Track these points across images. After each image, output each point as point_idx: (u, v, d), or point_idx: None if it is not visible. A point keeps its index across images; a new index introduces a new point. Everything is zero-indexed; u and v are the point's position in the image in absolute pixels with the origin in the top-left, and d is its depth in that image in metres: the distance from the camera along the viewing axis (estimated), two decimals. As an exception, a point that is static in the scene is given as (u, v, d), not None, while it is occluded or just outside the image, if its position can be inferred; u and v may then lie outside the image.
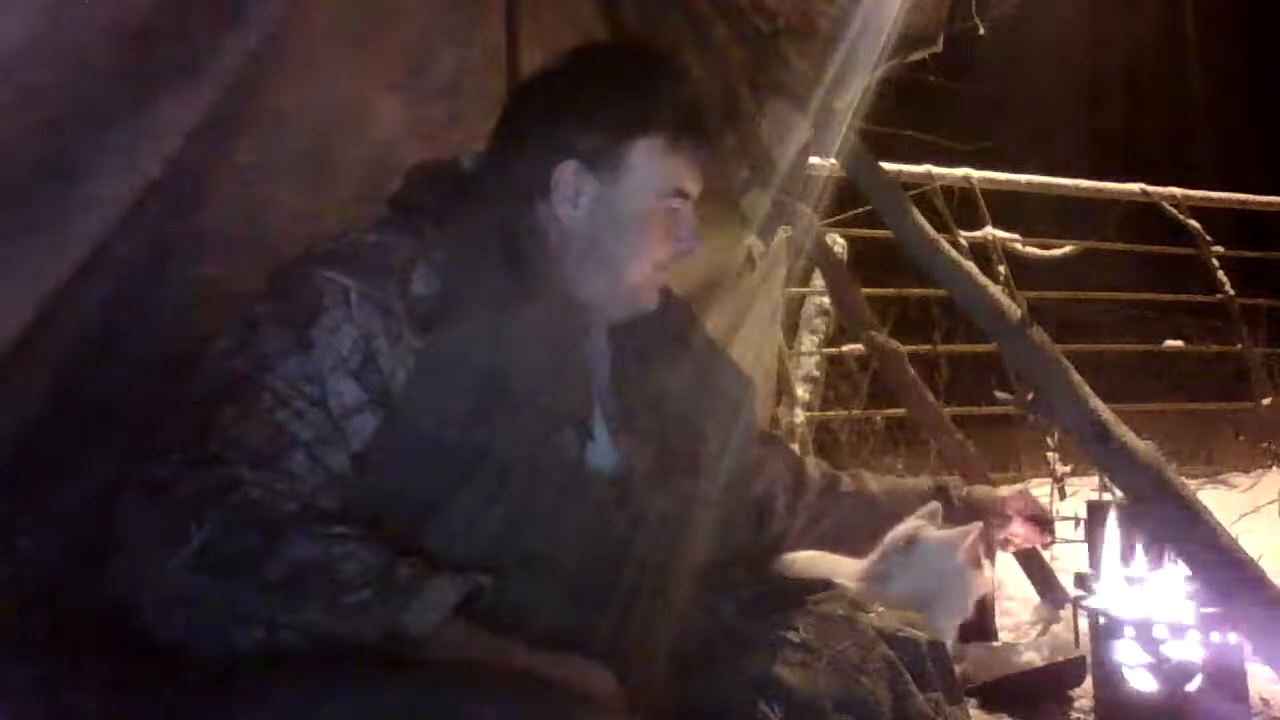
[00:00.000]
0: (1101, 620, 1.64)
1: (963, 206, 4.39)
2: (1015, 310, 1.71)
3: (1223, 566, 1.52)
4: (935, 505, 1.59)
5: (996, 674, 1.93)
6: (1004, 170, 4.70)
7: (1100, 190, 4.97)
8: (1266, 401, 4.97)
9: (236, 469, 1.05)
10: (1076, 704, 1.88)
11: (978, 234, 4.38)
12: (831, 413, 4.88)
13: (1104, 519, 1.74)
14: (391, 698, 0.94)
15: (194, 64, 1.20)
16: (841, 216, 3.66)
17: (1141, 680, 1.57)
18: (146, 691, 1.04)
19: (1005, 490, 1.82)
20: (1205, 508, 1.56)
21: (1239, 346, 5.14)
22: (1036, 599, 2.44)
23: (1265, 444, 4.86)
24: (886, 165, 2.46)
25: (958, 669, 1.30)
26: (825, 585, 1.29)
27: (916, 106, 4.82)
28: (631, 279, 1.28)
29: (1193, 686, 1.55)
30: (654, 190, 1.26)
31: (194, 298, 1.37)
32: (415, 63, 1.68)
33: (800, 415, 4.13)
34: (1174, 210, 5.00)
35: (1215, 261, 5.03)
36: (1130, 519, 1.70)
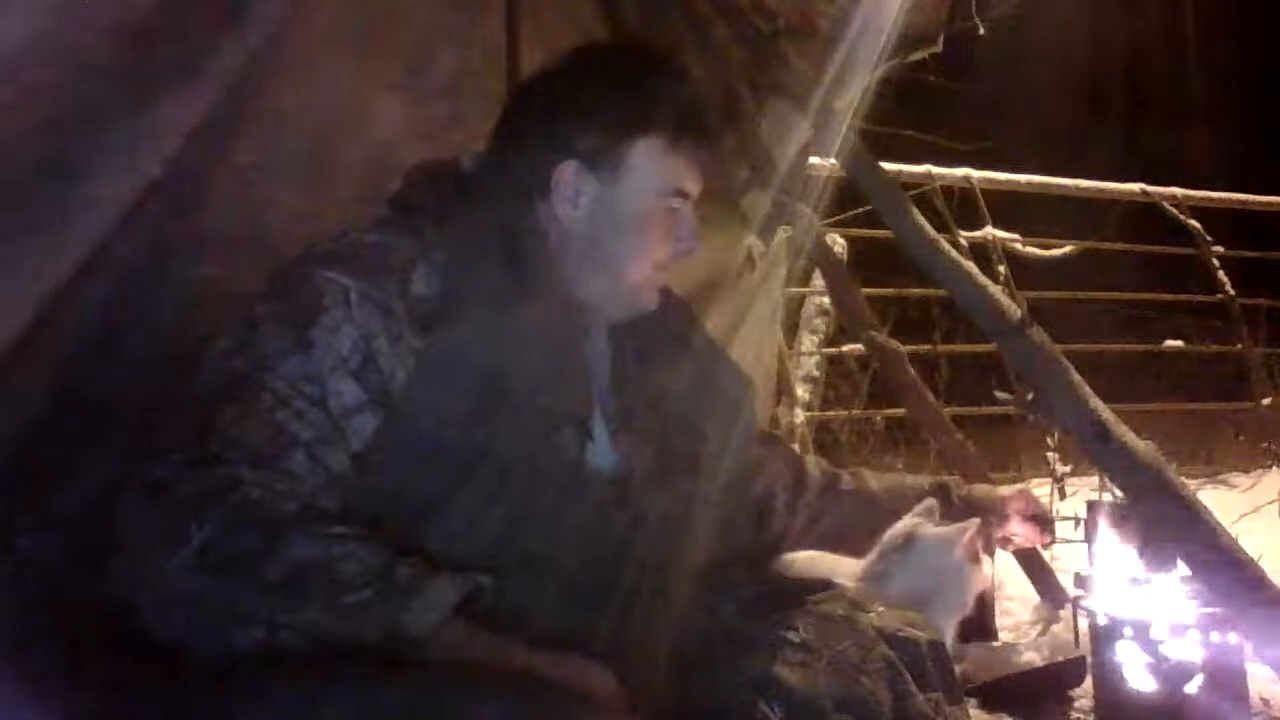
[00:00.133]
0: (1101, 620, 1.64)
1: (963, 206, 4.40)
2: (1015, 310, 1.71)
3: (1223, 566, 1.52)
4: (932, 502, 1.59)
5: (996, 674, 1.93)
6: (1004, 170, 4.70)
7: (1100, 190, 4.98)
8: (1266, 401, 4.98)
9: (236, 469, 1.05)
10: (1076, 704, 1.88)
11: (978, 234, 4.38)
12: (831, 413, 4.88)
13: (1103, 519, 1.74)
14: (391, 698, 0.94)
15: (194, 64, 1.20)
16: (841, 216, 3.66)
17: (1141, 680, 1.57)
18: (146, 691, 1.04)
19: (1006, 489, 1.82)
20: (1205, 508, 1.56)
21: (1239, 346, 5.14)
22: (1036, 599, 2.44)
23: (1265, 444, 4.86)
24: (886, 165, 2.46)
25: (958, 669, 1.30)
26: (825, 585, 1.29)
27: (916, 106, 4.82)
28: (631, 279, 1.28)
29: (1192, 686, 1.55)
30: (654, 190, 1.26)
31: (194, 298, 1.37)
32: (415, 63, 1.68)
33: (800, 415, 4.13)
34: (1174, 210, 5.00)
35: (1215, 261, 5.04)
36: (1129, 519, 1.70)
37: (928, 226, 1.84)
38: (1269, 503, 3.59)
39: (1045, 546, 1.91)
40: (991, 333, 1.76)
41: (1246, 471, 4.66)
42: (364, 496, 1.11)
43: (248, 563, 1.00)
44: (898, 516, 1.58)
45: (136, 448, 1.10)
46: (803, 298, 4.69)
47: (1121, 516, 1.71)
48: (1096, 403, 1.62)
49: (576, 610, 1.13)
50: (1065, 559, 2.32)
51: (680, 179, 1.27)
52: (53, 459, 1.25)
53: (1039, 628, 2.30)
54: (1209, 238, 5.02)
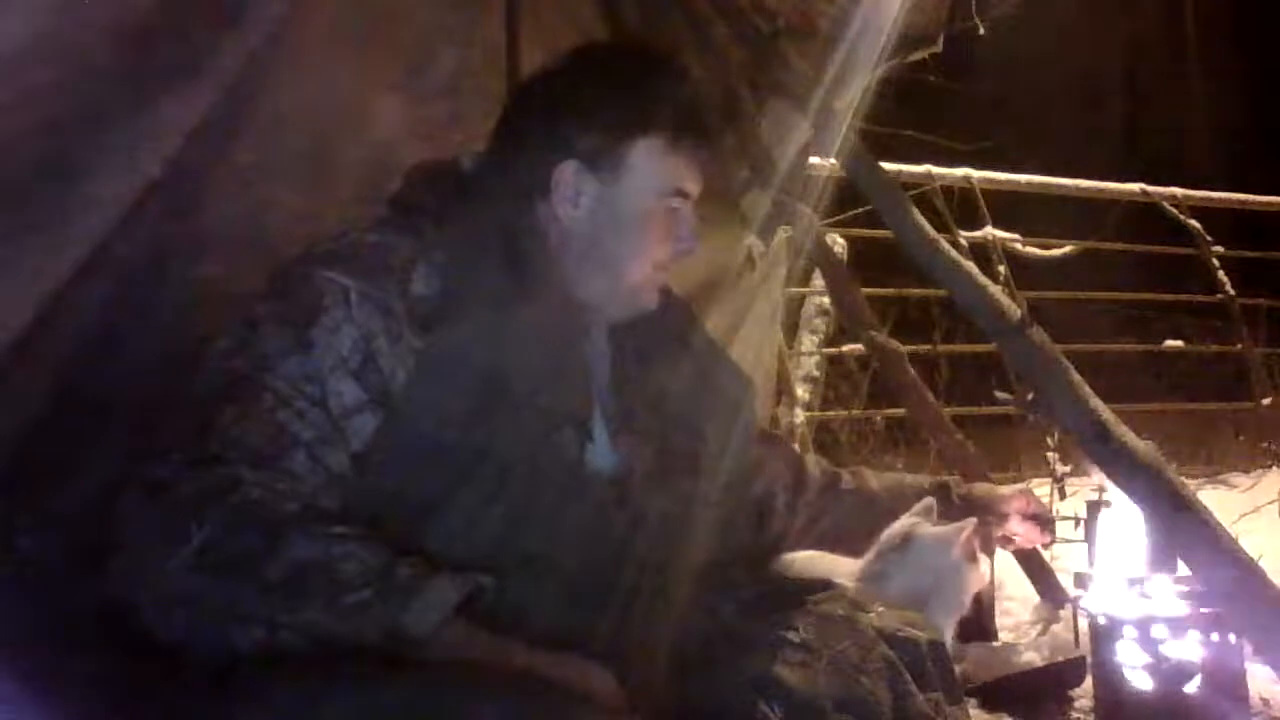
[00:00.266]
0: (1101, 620, 1.64)
1: (963, 206, 4.40)
2: (1015, 310, 1.71)
3: (1223, 566, 1.52)
4: (930, 501, 1.59)
5: (996, 674, 1.93)
6: (1004, 170, 4.70)
7: (1100, 190, 4.98)
8: (1266, 401, 4.98)
9: (237, 469, 1.05)
10: (1076, 704, 1.88)
11: (978, 234, 4.38)
12: (831, 413, 4.88)
13: (1103, 519, 1.74)
14: (391, 698, 0.94)
15: (194, 64, 1.20)
16: (841, 216, 3.66)
17: (1141, 680, 1.57)
18: (146, 691, 1.04)
19: (1006, 489, 1.82)
20: (1205, 508, 1.56)
21: (1239, 346, 5.14)
22: (1036, 599, 2.44)
23: (1265, 444, 4.86)
24: (886, 165, 2.46)
25: (958, 669, 1.30)
26: (825, 585, 1.29)
27: (916, 106, 4.83)
28: (631, 279, 1.28)
29: (1192, 686, 1.55)
30: (654, 190, 1.26)
31: (194, 298, 1.37)
32: (415, 63, 1.68)
33: (800, 415, 4.13)
34: (1174, 210, 5.00)
35: (1215, 261, 5.04)
36: (1129, 519, 1.70)
37: (928, 226, 1.83)
38: (1269, 503, 3.59)
39: (1045, 546, 1.91)
40: (991, 333, 1.76)
41: (1246, 471, 4.66)
42: (364, 496, 1.11)
43: (248, 563, 1.00)
44: (897, 516, 1.58)
45: (136, 448, 1.10)
46: (803, 298, 4.69)
47: (1122, 516, 1.71)
48: (1096, 403, 1.62)
49: (576, 610, 1.13)
50: (1065, 559, 2.32)
51: (680, 179, 1.27)
52: (53, 459, 1.25)
53: (1039, 628, 2.30)
54: (1209, 238, 5.02)
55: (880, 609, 1.23)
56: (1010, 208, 4.67)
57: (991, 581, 2.07)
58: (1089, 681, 1.81)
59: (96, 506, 1.08)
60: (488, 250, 1.21)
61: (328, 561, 1.01)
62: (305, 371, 1.10)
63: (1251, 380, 5.09)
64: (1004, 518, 1.74)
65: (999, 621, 2.22)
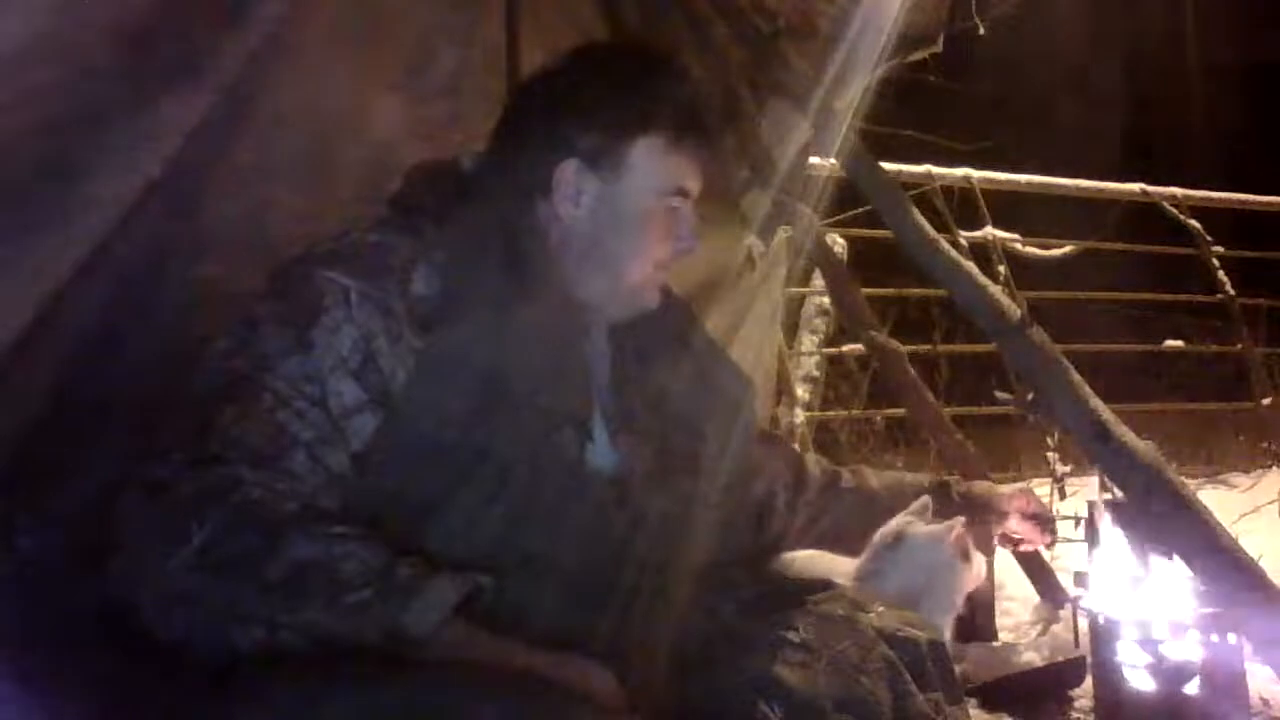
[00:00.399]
0: (1101, 620, 1.64)
1: (963, 206, 4.39)
2: (1015, 310, 1.71)
3: (1223, 566, 1.52)
4: (925, 500, 1.59)
5: (996, 674, 1.93)
6: (1004, 170, 4.70)
7: (1100, 190, 4.97)
8: (1266, 401, 4.98)
9: (237, 469, 1.05)
10: (1076, 704, 1.88)
11: (978, 234, 4.38)
12: (831, 413, 4.87)
13: (1103, 519, 1.74)
14: (391, 698, 0.94)
15: (194, 64, 1.20)
16: (841, 216, 3.66)
17: (1141, 680, 1.57)
18: (146, 691, 1.04)
19: (1007, 488, 1.82)
20: (1205, 508, 1.56)
21: (1239, 346, 5.14)
22: (1036, 599, 2.44)
23: (1265, 444, 4.86)
24: (886, 165, 2.46)
25: (958, 669, 1.30)
26: (825, 585, 1.29)
27: (916, 106, 4.82)
28: (632, 278, 1.28)
29: (1192, 687, 1.55)
30: (655, 189, 1.26)
31: (194, 298, 1.37)
32: (415, 63, 1.68)
33: (800, 415, 4.13)
34: (1174, 210, 5.00)
35: (1215, 261, 5.03)
36: (1129, 519, 1.70)
37: (928, 226, 1.84)
38: (1269, 503, 3.58)
39: (1046, 546, 1.91)
40: (991, 333, 1.76)
41: (1246, 471, 4.66)
42: (364, 496, 1.11)
43: (248, 562, 1.00)
44: (897, 514, 1.58)
45: (136, 448, 1.10)
46: (803, 298, 4.69)
47: (1122, 516, 1.71)
48: (1096, 403, 1.62)
49: (576, 610, 1.13)
50: (1065, 559, 2.32)
51: (681, 178, 1.27)
52: (53, 459, 1.25)
53: (1039, 628, 2.30)
54: (1209, 238, 5.02)
55: (880, 609, 1.23)
56: (1010, 208, 4.67)
57: (991, 581, 2.07)
58: (1089, 681, 1.81)
59: (96, 506, 1.09)
60: (488, 250, 1.21)
61: (328, 561, 1.01)
62: (305, 371, 1.10)
63: (1251, 380, 5.09)
64: (1004, 517, 1.74)
65: (999, 621, 2.22)
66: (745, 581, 1.35)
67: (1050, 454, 3.08)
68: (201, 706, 1.00)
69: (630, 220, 1.26)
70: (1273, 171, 5.82)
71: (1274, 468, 4.65)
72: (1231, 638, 1.56)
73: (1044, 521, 1.77)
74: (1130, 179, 5.06)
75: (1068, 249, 4.74)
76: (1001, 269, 4.31)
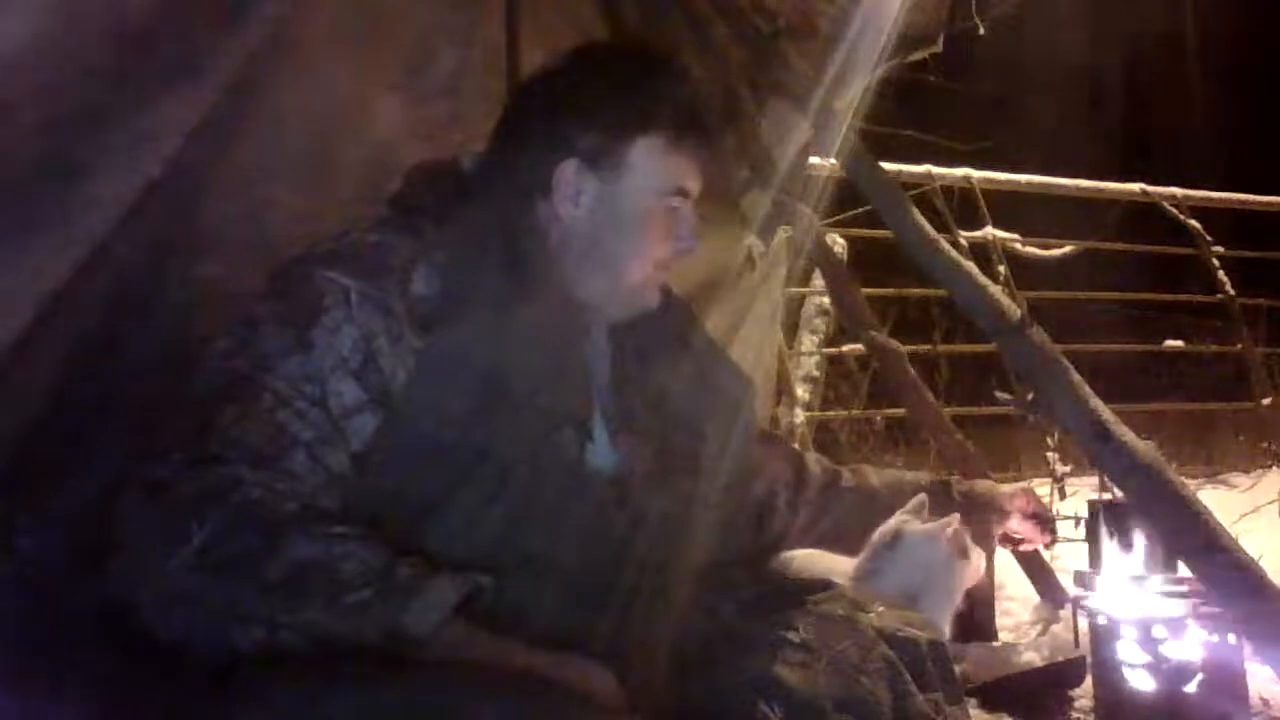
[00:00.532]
0: (1101, 620, 1.64)
1: (963, 206, 4.39)
2: (1015, 310, 1.71)
3: (1223, 566, 1.52)
4: (921, 498, 1.59)
5: (996, 674, 1.93)
6: (1004, 170, 4.70)
7: (1100, 190, 4.98)
8: (1266, 401, 4.98)
9: (237, 469, 1.05)
10: (1076, 704, 1.88)
11: (978, 234, 4.38)
12: (831, 413, 4.88)
13: (1104, 518, 1.74)
14: (391, 698, 0.94)
15: (194, 64, 1.20)
16: (841, 216, 3.66)
17: (1141, 680, 1.57)
18: (146, 691, 1.04)
19: (1007, 488, 1.83)
20: (1205, 508, 1.56)
21: (1239, 346, 5.14)
22: (1036, 599, 2.44)
23: (1265, 444, 4.86)
24: (886, 165, 2.46)
25: (958, 669, 1.30)
26: (825, 585, 1.29)
27: (916, 106, 4.83)
28: (632, 278, 1.28)
29: (1192, 686, 1.55)
30: (655, 189, 1.26)
31: (194, 298, 1.37)
32: (415, 63, 1.68)
33: (800, 415, 4.13)
34: (1174, 210, 5.00)
35: (1215, 261, 5.03)
36: (1130, 518, 1.70)
37: (928, 226, 1.83)
38: (1269, 503, 3.59)
39: (1046, 546, 1.91)
40: (991, 333, 1.76)
41: (1246, 471, 4.66)
42: (364, 496, 1.11)
43: (248, 562, 1.00)
44: (893, 513, 1.58)
45: (136, 448, 1.10)
46: (803, 298, 4.69)
47: (1122, 516, 1.71)
48: (1096, 403, 1.62)
49: (576, 610, 1.13)
50: (1065, 559, 2.32)
51: (681, 177, 1.27)
52: (53, 459, 1.25)
53: (1039, 628, 2.30)
54: (1209, 238, 5.02)
55: (880, 609, 1.23)
56: (1010, 208, 4.67)
57: (991, 581, 2.07)
58: (1089, 681, 1.81)
59: (96, 506, 1.09)
60: (488, 250, 1.21)
61: (328, 561, 1.01)
62: (305, 372, 1.10)
63: (1251, 380, 5.09)
64: (1005, 516, 1.74)
65: (999, 621, 2.22)
66: (745, 581, 1.35)
67: (1050, 454, 3.08)
68: (201, 706, 1.00)
69: (630, 220, 1.26)
70: (1273, 171, 5.83)
71: (1274, 468, 4.65)
72: (1231, 638, 1.56)
73: (1044, 521, 1.77)
74: (1130, 179, 5.06)
75: (1068, 249, 4.74)
76: (1001, 269, 4.31)
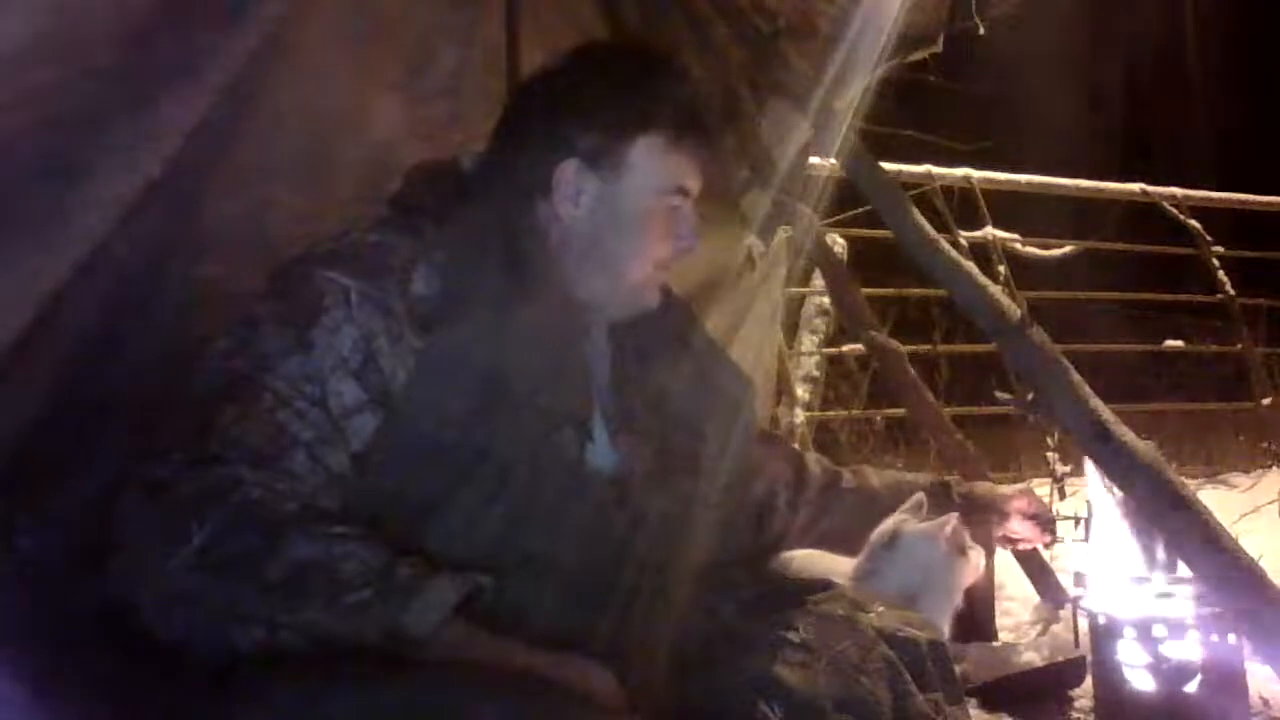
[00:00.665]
0: (1101, 620, 1.64)
1: (963, 206, 4.39)
2: (1015, 310, 1.71)
3: (1223, 566, 1.52)
4: (920, 498, 1.59)
5: (996, 674, 1.93)
6: (1004, 170, 4.70)
7: (1100, 190, 4.97)
8: (1266, 401, 4.97)
9: (237, 469, 1.05)
10: (1076, 704, 1.88)
11: (978, 234, 4.38)
12: (831, 413, 4.87)
13: (1103, 519, 1.74)
14: (391, 698, 0.94)
15: (194, 64, 1.20)
16: (841, 216, 3.66)
17: (1141, 680, 1.57)
18: (146, 691, 1.04)
19: (1007, 488, 1.83)
20: (1205, 508, 1.56)
21: (1239, 346, 5.14)
22: (1036, 599, 2.43)
23: (1265, 444, 4.86)
24: (886, 165, 2.46)
25: (958, 669, 1.30)
26: (825, 585, 1.29)
27: (916, 106, 4.83)
28: (632, 278, 1.28)
29: (1192, 686, 1.55)
30: (655, 188, 1.26)
31: (194, 298, 1.37)
32: (415, 63, 1.68)
33: (800, 415, 4.13)
34: (1174, 210, 4.99)
35: (1215, 261, 5.03)
36: (1130, 518, 1.70)
37: (928, 226, 1.83)
38: (1269, 503, 3.58)
39: (1046, 546, 1.91)
40: (991, 333, 1.76)
41: (1246, 471, 4.66)
42: (364, 496, 1.11)
43: (248, 562, 1.00)
44: (893, 513, 1.58)
45: (136, 448, 1.10)
46: (803, 298, 4.68)
47: (1122, 515, 1.71)
48: (1096, 403, 1.62)
49: (576, 610, 1.13)
50: (1065, 559, 2.32)
51: (681, 177, 1.27)
52: (53, 459, 1.25)
53: (1039, 628, 2.29)
54: (1209, 238, 5.02)
55: (880, 609, 1.24)
56: (1010, 208, 4.67)
57: (991, 581, 2.07)
58: (1089, 681, 1.81)
59: (96, 506, 1.09)
60: (488, 250, 1.21)
61: (328, 561, 1.01)
62: (305, 371, 1.10)
63: (1251, 380, 5.09)
64: (1005, 517, 1.74)
65: (999, 621, 2.22)
66: (745, 581, 1.35)
67: (1050, 454, 3.08)
68: (201, 706, 1.00)
69: (630, 220, 1.26)
70: (1273, 171, 5.82)
71: (1274, 468, 4.64)
72: (1231, 638, 1.56)
73: (1044, 521, 1.77)
74: (1130, 179, 5.06)
75: (1068, 249, 4.74)
76: (1001, 269, 4.31)
